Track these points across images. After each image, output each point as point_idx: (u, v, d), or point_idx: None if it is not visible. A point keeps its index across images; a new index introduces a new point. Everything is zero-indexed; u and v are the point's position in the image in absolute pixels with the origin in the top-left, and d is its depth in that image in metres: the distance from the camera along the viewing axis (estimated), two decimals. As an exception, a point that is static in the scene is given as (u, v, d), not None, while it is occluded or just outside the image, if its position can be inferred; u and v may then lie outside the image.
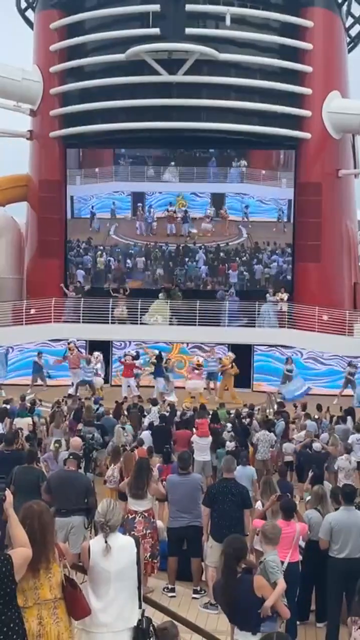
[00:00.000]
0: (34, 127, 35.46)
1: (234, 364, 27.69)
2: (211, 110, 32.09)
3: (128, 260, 34.66)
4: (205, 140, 33.09)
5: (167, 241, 34.43)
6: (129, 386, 26.67)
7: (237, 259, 34.00)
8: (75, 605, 5.87)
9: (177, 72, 31.28)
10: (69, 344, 28.28)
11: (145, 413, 20.93)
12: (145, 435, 17.51)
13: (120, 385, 27.74)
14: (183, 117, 31.79)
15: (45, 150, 34.80)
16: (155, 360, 27.36)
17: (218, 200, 34.06)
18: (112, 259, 34.73)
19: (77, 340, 29.30)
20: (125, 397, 24.09)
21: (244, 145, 33.40)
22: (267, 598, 6.84)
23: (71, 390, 26.27)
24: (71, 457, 11.21)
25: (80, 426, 17.56)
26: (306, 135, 32.75)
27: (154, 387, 26.88)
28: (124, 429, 17.40)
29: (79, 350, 28.46)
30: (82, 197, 34.62)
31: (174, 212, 34.08)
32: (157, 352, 28.31)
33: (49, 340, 30.40)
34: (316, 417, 20.02)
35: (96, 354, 28.01)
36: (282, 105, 32.26)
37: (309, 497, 11.31)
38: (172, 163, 34.27)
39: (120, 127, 32.45)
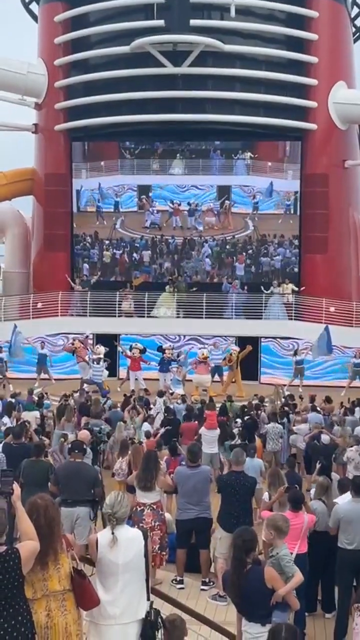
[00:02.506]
0: (39, 120, 35.42)
1: (239, 356, 27.54)
2: (216, 102, 31.98)
3: (135, 254, 34.63)
4: (211, 132, 33.00)
5: (174, 234, 34.37)
6: (136, 379, 26.64)
7: (244, 252, 33.92)
8: (84, 595, 5.89)
9: (182, 64, 31.16)
10: (75, 340, 28.25)
11: (152, 405, 20.95)
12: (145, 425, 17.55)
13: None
14: (188, 109, 31.70)
15: (50, 144, 34.76)
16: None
17: (223, 192, 33.96)
18: (117, 252, 34.69)
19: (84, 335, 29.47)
20: (133, 391, 24.05)
21: (250, 137, 33.26)
22: (277, 589, 6.83)
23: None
24: (76, 450, 11.19)
25: (85, 419, 17.54)
26: (312, 126, 32.61)
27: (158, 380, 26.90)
28: (125, 422, 17.37)
29: (83, 344, 28.27)
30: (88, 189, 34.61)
31: (179, 204, 34.01)
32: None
33: (47, 336, 30.22)
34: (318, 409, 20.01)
35: (102, 349, 27.86)
36: (288, 96, 32.10)
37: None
38: (178, 155, 34.20)
39: (125, 119, 32.39)
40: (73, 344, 28.28)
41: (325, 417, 19.34)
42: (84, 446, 11.76)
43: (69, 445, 12.28)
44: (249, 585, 6.79)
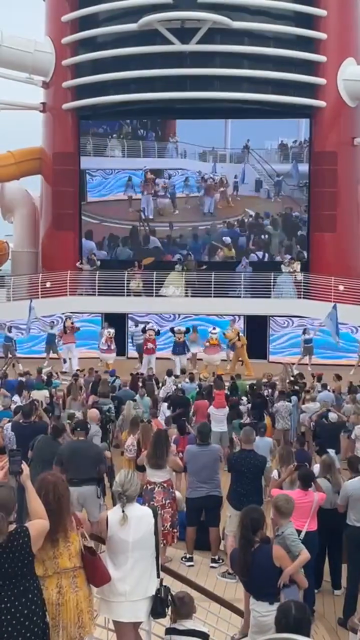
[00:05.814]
0: (46, 99, 35.25)
1: (240, 335, 27.53)
2: (225, 79, 31.76)
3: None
4: (219, 110, 32.76)
5: (187, 219, 34.18)
6: (149, 361, 26.44)
7: (253, 235, 33.83)
8: (95, 572, 5.93)
9: (190, 41, 30.97)
10: (66, 319, 28.25)
11: (160, 384, 20.96)
12: (163, 406, 17.59)
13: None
14: (196, 87, 31.57)
15: (58, 123, 34.59)
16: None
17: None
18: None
19: (92, 314, 29.50)
20: (142, 373, 23.93)
21: (258, 115, 33.00)
22: (285, 568, 6.85)
23: (65, 367, 26.05)
24: (78, 428, 11.25)
25: (93, 398, 17.57)
26: (321, 103, 32.37)
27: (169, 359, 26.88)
28: (134, 401, 17.41)
29: (74, 326, 28.16)
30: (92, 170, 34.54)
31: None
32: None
33: (43, 316, 29.96)
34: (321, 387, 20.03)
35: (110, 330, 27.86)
36: (297, 73, 31.88)
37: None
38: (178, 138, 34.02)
39: (133, 97, 32.23)
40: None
41: (335, 396, 19.33)
42: (88, 425, 11.80)
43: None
44: (257, 563, 6.80)
